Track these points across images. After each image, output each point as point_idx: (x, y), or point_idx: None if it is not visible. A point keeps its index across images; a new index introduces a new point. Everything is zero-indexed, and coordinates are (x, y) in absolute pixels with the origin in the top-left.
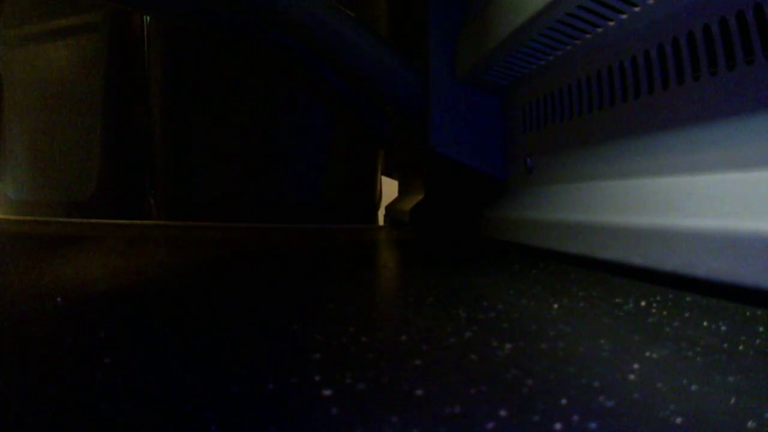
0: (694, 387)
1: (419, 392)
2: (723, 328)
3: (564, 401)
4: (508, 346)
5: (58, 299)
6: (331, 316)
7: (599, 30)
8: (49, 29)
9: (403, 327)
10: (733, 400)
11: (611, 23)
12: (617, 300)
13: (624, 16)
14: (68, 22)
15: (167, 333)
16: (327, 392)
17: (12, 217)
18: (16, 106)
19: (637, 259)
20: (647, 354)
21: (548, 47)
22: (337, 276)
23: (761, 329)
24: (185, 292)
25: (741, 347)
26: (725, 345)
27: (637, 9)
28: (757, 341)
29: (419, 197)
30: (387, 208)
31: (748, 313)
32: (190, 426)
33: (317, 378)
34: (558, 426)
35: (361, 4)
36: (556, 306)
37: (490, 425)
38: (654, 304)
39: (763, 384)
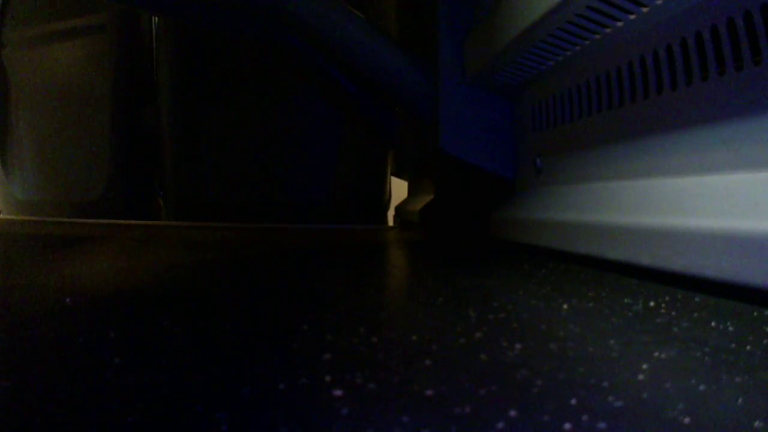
0: (702, 387)
1: (429, 392)
2: (731, 328)
3: (573, 401)
4: (518, 346)
5: (67, 300)
6: (342, 317)
7: (608, 30)
8: (57, 30)
9: (414, 327)
10: (740, 401)
11: (620, 24)
12: (626, 300)
13: (632, 17)
14: (76, 24)
15: (177, 333)
16: (338, 392)
17: (19, 217)
18: (23, 106)
19: (646, 259)
20: (656, 354)
21: (557, 48)
22: (348, 276)
23: None
24: (195, 293)
25: (749, 347)
26: (733, 345)
27: (645, 9)
28: (765, 341)
29: (429, 197)
30: (397, 208)
31: (755, 314)
32: (201, 426)
33: (328, 378)
34: (568, 426)
35: (370, 5)
36: (565, 306)
37: (500, 425)
38: (663, 305)
39: None
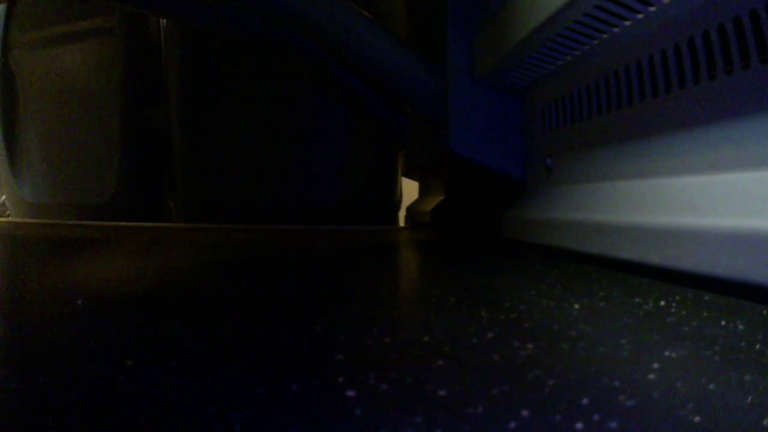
0: (712, 386)
1: (442, 393)
2: (741, 327)
3: (585, 401)
4: (530, 346)
5: (78, 302)
6: (354, 318)
7: (616, 30)
8: (65, 33)
9: (426, 328)
10: (749, 399)
11: (628, 23)
12: (637, 300)
13: (640, 16)
14: (84, 26)
15: (189, 334)
16: (350, 393)
17: (28, 220)
18: (32, 109)
19: (655, 258)
20: (666, 353)
21: (566, 47)
22: (359, 277)
23: None
24: (207, 294)
25: (758, 346)
26: (743, 344)
27: (652, 9)
28: None
29: (440, 198)
30: (408, 209)
31: (765, 312)
32: (214, 427)
33: (341, 379)
34: (579, 425)
35: (379, 6)
36: (576, 306)
37: (513, 425)
38: (673, 304)
39: None
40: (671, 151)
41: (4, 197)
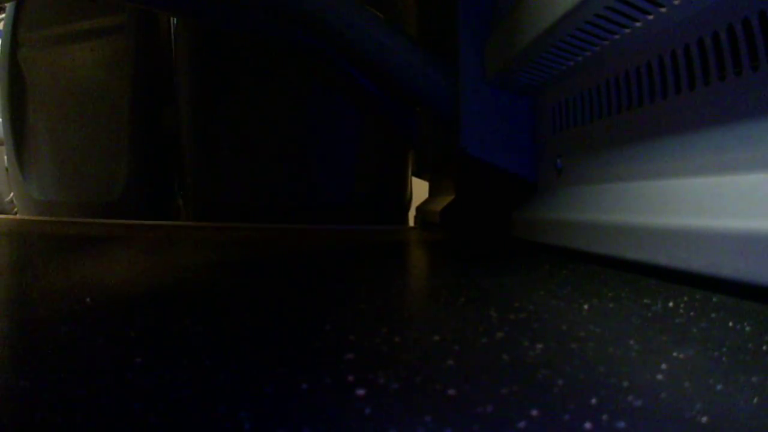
0: (719, 387)
1: (452, 392)
2: (748, 328)
3: (594, 401)
4: (539, 346)
5: (87, 299)
6: (364, 317)
7: (627, 31)
8: (74, 31)
9: (436, 327)
10: (756, 400)
11: (638, 24)
12: (646, 301)
13: (650, 17)
14: (93, 24)
15: (199, 332)
16: (360, 392)
17: (36, 218)
18: (41, 107)
19: (663, 259)
20: (674, 354)
21: (577, 48)
22: (369, 277)
23: None
24: (217, 293)
25: (765, 347)
26: (750, 345)
27: (663, 10)
28: None
29: (450, 198)
30: (417, 209)
31: None
32: (223, 425)
33: (350, 378)
34: (588, 425)
35: (390, 5)
36: (586, 307)
37: (522, 424)
38: (681, 305)
39: None
40: (680, 152)
41: (12, 194)
